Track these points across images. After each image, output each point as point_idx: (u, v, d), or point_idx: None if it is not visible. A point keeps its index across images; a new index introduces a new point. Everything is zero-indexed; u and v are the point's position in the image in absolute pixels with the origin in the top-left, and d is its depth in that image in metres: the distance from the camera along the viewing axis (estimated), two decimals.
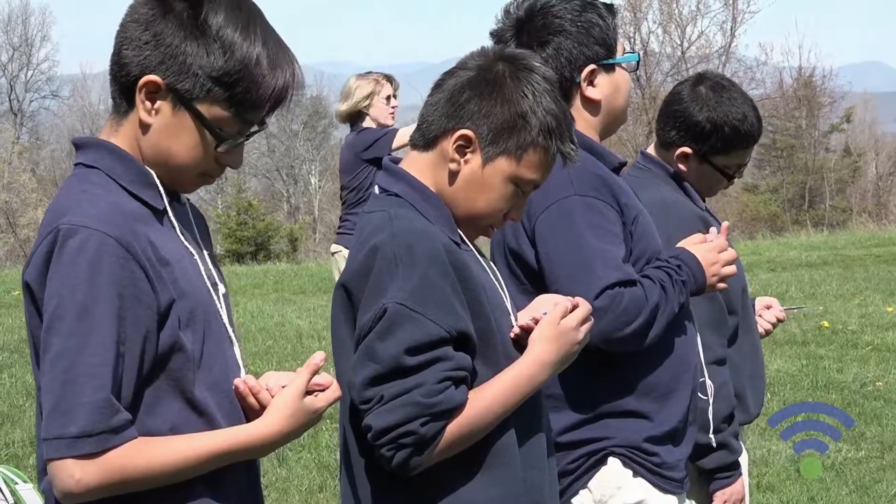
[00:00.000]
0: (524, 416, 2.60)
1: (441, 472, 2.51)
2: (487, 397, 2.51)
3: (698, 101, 3.81)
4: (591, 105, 3.26)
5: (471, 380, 2.52)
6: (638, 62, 3.35)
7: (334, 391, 2.31)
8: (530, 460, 2.62)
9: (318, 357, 2.27)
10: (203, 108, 2.25)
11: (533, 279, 3.13)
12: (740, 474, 3.67)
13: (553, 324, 2.60)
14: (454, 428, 2.47)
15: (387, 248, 2.50)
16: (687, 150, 3.81)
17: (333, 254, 7.92)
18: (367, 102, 7.62)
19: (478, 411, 2.49)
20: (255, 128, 2.32)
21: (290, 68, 2.29)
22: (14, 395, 9.18)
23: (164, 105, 2.25)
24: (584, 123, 3.23)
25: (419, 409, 2.42)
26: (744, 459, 3.97)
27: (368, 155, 7.54)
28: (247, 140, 2.33)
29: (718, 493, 3.63)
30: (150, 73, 2.23)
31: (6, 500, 4.98)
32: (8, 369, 10.21)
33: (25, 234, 40.93)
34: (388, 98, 7.68)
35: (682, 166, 3.85)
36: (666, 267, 3.17)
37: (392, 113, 7.74)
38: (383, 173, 2.69)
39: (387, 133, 7.52)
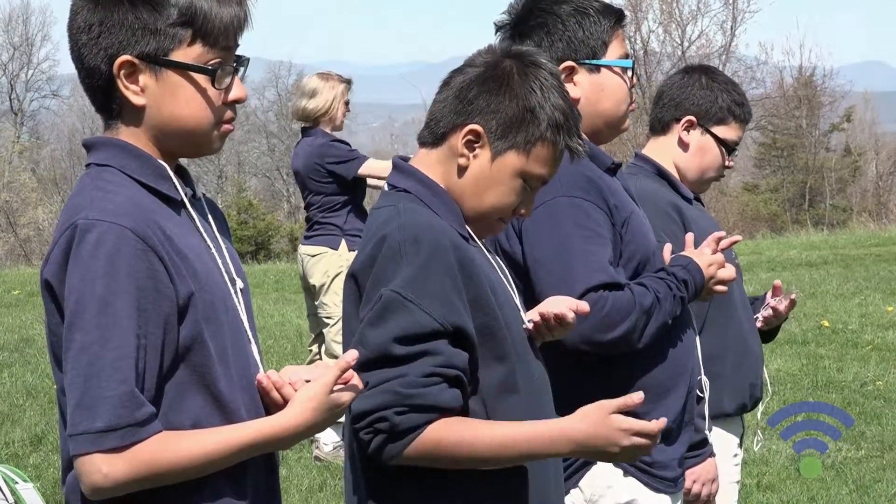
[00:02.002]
0: (531, 413, 2.59)
1: (447, 470, 2.51)
2: (498, 431, 2.48)
3: (692, 78, 4.07)
4: None
5: (469, 378, 2.52)
6: (631, 68, 3.31)
7: (358, 385, 2.30)
8: None
9: (351, 355, 2.26)
10: (180, 56, 2.25)
11: (525, 279, 3.12)
12: (710, 454, 3.69)
13: (606, 412, 2.48)
14: (444, 434, 2.45)
15: (393, 238, 2.51)
16: (692, 117, 4.01)
17: (314, 255, 7.74)
18: (333, 104, 7.66)
19: (480, 436, 2.47)
20: (236, 55, 2.30)
21: None
22: (14, 395, 9.18)
23: (146, 78, 2.25)
24: None
25: (395, 398, 2.43)
26: (727, 449, 4.01)
27: (334, 169, 7.56)
28: (238, 73, 2.31)
29: (688, 473, 3.65)
30: (117, 58, 2.23)
31: (6, 499, 4.98)
32: (8, 369, 10.21)
33: (25, 233, 40.93)
34: (346, 102, 7.77)
35: (685, 138, 4.01)
36: (670, 280, 3.17)
37: (345, 115, 7.88)
38: (394, 171, 2.71)
39: (357, 157, 7.54)
